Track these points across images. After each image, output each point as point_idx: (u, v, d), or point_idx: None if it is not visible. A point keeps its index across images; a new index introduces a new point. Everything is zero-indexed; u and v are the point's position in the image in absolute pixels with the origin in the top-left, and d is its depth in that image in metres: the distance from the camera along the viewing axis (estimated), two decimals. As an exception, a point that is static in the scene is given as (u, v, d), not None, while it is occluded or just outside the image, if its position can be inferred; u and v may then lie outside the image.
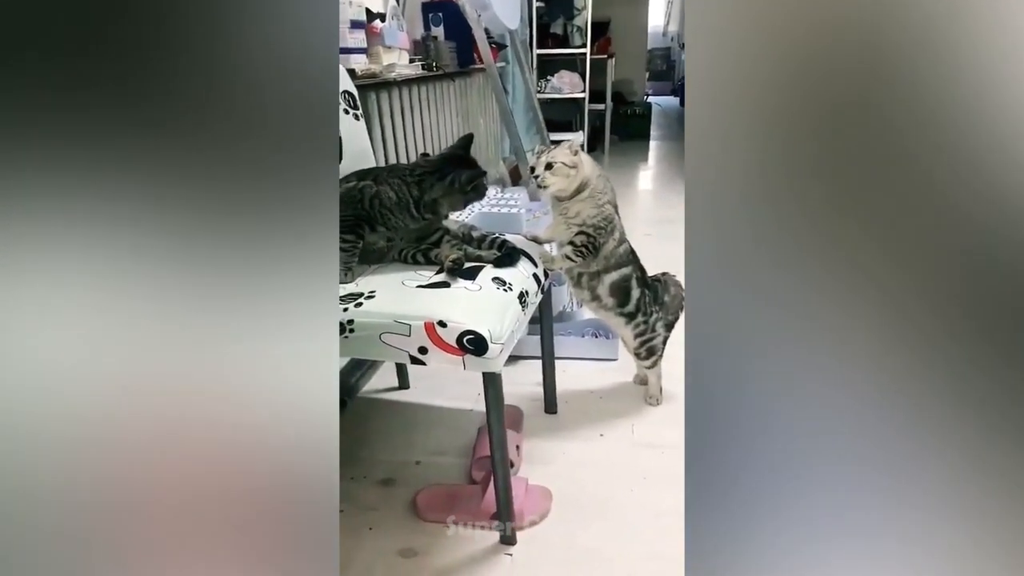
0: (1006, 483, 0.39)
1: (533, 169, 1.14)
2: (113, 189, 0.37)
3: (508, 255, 1.02)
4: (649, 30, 6.44)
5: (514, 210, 1.66)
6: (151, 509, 0.40)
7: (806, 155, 0.40)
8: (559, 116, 4.23)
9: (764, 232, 0.42)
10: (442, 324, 0.86)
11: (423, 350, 0.88)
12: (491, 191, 1.94)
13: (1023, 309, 0.37)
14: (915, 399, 0.40)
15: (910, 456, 0.41)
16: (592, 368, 1.60)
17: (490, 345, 0.85)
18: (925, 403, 0.40)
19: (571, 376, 1.55)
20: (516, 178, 3.73)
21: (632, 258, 1.23)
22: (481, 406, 1.52)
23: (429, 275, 0.99)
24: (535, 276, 1.09)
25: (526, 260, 1.08)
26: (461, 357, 0.87)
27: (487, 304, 0.91)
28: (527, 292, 1.03)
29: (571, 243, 1.17)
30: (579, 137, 1.18)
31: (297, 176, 0.42)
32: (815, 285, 0.41)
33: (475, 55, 2.86)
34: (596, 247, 1.17)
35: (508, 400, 1.39)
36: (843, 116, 0.39)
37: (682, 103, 8.81)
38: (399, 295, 0.93)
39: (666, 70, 10.23)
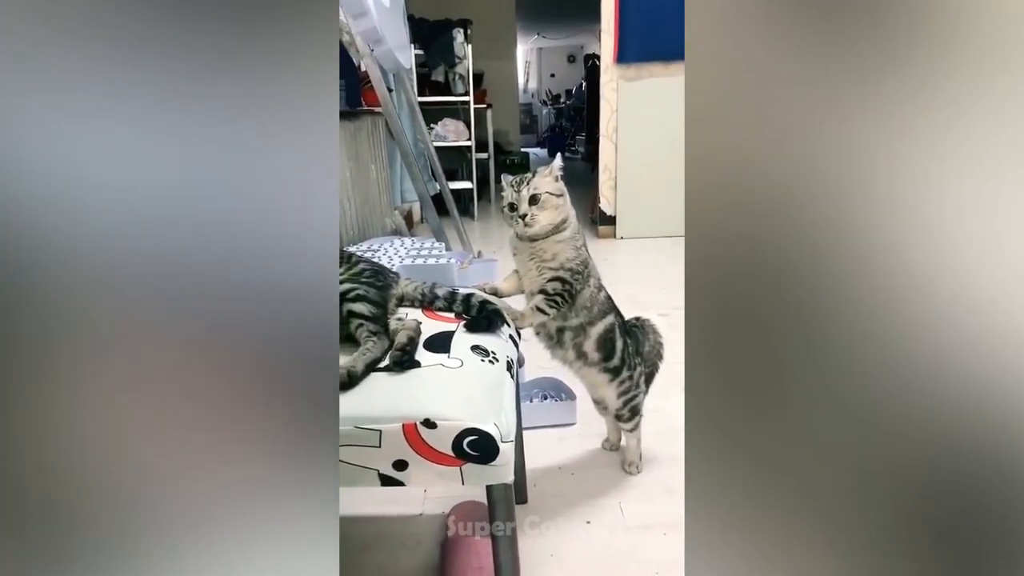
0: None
1: (513, 206, 0.91)
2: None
3: (486, 317, 0.77)
4: (511, 86, 6.63)
5: (442, 260, 1.42)
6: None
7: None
8: (444, 164, 4.09)
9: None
10: (429, 424, 0.58)
11: (401, 464, 0.59)
12: (405, 241, 1.68)
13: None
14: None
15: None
16: (551, 437, 1.37)
17: (500, 446, 0.59)
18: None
19: (530, 450, 1.30)
20: (410, 225, 3.47)
21: (613, 304, 1.04)
22: (433, 507, 1.22)
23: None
24: (511, 338, 0.86)
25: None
26: (459, 467, 0.60)
27: (478, 386, 0.66)
28: (512, 360, 0.79)
29: (542, 291, 0.95)
30: (557, 160, 0.97)
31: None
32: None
33: (361, 98, 2.61)
34: (572, 295, 0.96)
35: (464, 494, 1.11)
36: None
37: (550, 153, 9.23)
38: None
39: (530, 123, 10.76)
